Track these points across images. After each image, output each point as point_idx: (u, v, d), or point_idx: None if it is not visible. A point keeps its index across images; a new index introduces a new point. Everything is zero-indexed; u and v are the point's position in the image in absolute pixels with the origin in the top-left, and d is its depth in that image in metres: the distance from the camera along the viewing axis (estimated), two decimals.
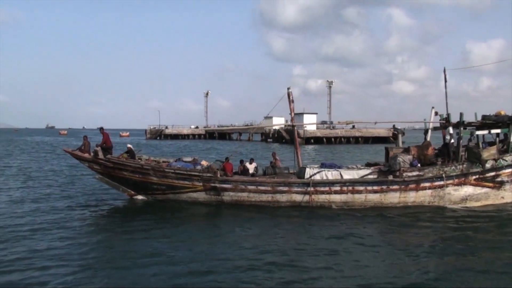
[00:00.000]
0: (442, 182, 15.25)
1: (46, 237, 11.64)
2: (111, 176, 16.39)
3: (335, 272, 9.20)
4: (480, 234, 12.51)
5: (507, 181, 15.71)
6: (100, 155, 15.92)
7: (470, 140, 16.21)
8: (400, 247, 11.02)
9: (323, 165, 17.25)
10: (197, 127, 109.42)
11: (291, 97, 17.60)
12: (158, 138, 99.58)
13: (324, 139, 78.26)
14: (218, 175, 15.66)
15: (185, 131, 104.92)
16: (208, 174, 15.60)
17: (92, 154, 16.22)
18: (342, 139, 78.91)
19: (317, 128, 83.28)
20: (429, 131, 17.12)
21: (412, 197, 15.40)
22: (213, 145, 71.11)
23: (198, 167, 16.13)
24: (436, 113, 16.80)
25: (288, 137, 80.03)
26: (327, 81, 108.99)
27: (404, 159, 15.68)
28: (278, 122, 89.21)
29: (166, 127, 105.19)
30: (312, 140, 77.55)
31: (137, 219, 13.96)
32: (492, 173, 15.42)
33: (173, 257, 9.99)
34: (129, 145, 17.61)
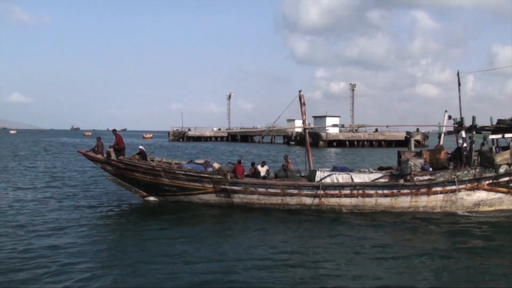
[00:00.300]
0: (454, 187, 15.01)
1: (67, 235, 12.06)
2: (124, 177, 16.68)
3: (347, 276, 9.24)
4: (494, 240, 12.26)
5: None
6: (113, 156, 16.25)
7: (483, 144, 15.91)
8: (412, 252, 10.91)
9: (335, 169, 17.26)
10: (219, 129, 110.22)
11: (302, 100, 17.66)
12: (180, 140, 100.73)
13: (347, 142, 77.70)
14: (228, 177, 15.84)
15: (208, 133, 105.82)
16: (218, 176, 15.79)
17: (105, 155, 16.61)
18: (365, 143, 78.16)
19: (340, 131, 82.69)
20: (442, 135, 16.89)
21: (424, 201, 15.20)
22: (235, 147, 71.42)
23: (209, 169, 16.34)
24: (449, 117, 16.57)
25: (310, 140, 79.67)
26: (350, 84, 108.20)
27: (415, 163, 15.53)
28: (300, 124, 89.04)
29: (189, 129, 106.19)
30: (334, 143, 77.09)
31: (155, 220, 14.32)
32: (506, 178, 15.08)
33: (189, 257, 10.20)
34: (140, 147, 17.87)
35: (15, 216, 14.22)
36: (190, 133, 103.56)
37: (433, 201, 15.19)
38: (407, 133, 18.89)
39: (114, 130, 17.41)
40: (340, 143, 77.15)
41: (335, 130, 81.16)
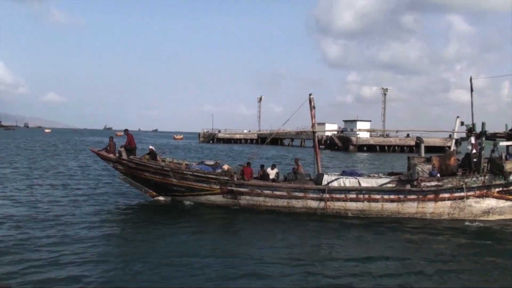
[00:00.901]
0: (462, 194, 14.73)
1: (95, 230, 12.76)
2: (134, 177, 17.11)
3: (352, 277, 9.36)
4: (504, 250, 11.98)
5: None
6: (124, 155, 16.70)
7: (493, 151, 15.53)
8: (418, 258, 10.89)
9: (344, 173, 17.24)
10: (249, 132, 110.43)
11: (312, 103, 17.74)
12: (210, 141, 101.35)
13: (377, 147, 76.57)
14: (235, 179, 16.08)
15: (237, 135, 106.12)
16: (225, 177, 16.05)
17: (117, 154, 17.12)
18: (396, 148, 76.76)
19: (371, 135, 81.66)
20: (454, 141, 16.59)
21: (431, 207, 14.99)
22: (265, 150, 71.32)
23: (218, 171, 16.64)
24: (462, 123, 16.28)
25: (340, 144, 79.09)
26: (382, 88, 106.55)
27: (423, 169, 15.36)
28: (331, 128, 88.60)
29: (219, 131, 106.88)
30: (365, 148, 76.16)
31: (170, 219, 14.72)
32: None
33: (200, 256, 10.53)
34: (151, 147, 18.28)
35: (46, 212, 14.93)
36: (220, 135, 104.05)
37: (440, 208, 14.96)
38: (418, 138, 18.65)
39: (126, 130, 17.97)
40: (370, 148, 76.09)
41: (366, 135, 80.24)
